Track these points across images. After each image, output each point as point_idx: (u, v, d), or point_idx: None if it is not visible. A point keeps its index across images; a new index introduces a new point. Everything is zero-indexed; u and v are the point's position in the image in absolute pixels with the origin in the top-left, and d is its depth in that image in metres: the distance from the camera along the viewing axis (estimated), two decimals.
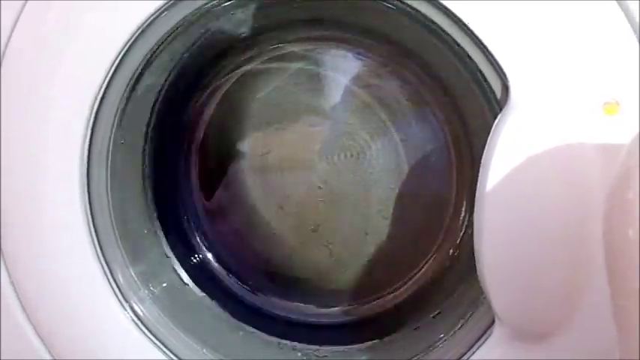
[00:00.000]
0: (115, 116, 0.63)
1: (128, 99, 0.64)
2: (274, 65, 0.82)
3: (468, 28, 0.54)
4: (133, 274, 0.67)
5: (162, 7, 0.58)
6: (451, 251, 0.82)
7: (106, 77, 0.59)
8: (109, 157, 0.64)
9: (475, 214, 0.54)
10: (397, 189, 0.82)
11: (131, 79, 0.62)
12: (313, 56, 0.82)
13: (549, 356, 0.56)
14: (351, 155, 0.82)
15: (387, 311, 0.83)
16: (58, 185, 0.60)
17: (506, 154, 0.52)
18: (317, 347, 0.75)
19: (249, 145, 0.84)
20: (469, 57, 0.56)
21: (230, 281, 0.85)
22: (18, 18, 0.57)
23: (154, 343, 0.64)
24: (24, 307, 0.62)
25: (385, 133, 0.82)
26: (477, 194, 0.54)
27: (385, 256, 0.84)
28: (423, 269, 0.83)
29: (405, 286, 0.84)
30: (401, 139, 0.82)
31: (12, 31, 0.58)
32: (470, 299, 0.64)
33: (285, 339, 0.76)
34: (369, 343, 0.75)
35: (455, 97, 0.76)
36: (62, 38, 0.57)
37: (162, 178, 0.81)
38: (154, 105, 0.73)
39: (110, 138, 0.63)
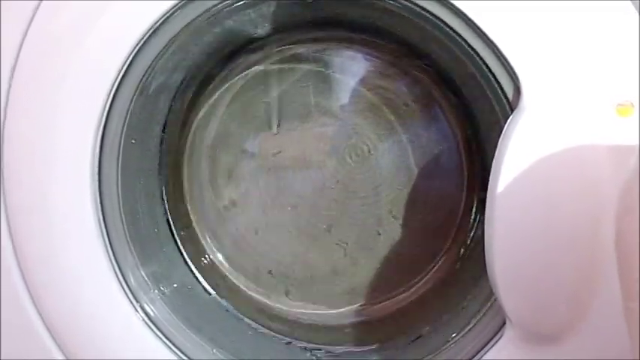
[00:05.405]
0: (126, 115, 0.63)
1: (139, 98, 0.64)
2: (285, 66, 0.82)
3: (479, 29, 0.54)
4: (143, 274, 0.67)
5: (173, 7, 0.58)
6: (462, 252, 0.82)
7: (117, 76, 0.59)
8: (120, 157, 0.64)
9: (486, 215, 0.54)
10: (408, 189, 0.82)
11: (143, 78, 0.62)
12: (323, 57, 0.81)
13: (560, 358, 0.56)
14: (362, 155, 0.82)
15: (397, 311, 0.83)
16: (69, 185, 0.60)
17: (518, 156, 0.52)
18: (327, 347, 0.75)
19: (260, 145, 0.84)
20: (480, 58, 0.56)
21: (240, 281, 0.85)
22: (32, 17, 0.58)
23: (165, 343, 0.64)
24: (36, 307, 0.62)
25: (395, 133, 0.81)
26: (488, 195, 0.54)
27: (396, 256, 0.84)
28: (434, 269, 0.83)
29: (416, 287, 0.83)
30: (411, 140, 0.81)
31: (27, 30, 0.58)
32: (480, 300, 0.64)
33: (295, 339, 0.76)
34: (380, 343, 0.75)
35: (466, 98, 0.76)
36: (75, 37, 0.58)
37: (172, 178, 0.81)
38: (165, 104, 0.74)
39: (121, 137, 0.64)
